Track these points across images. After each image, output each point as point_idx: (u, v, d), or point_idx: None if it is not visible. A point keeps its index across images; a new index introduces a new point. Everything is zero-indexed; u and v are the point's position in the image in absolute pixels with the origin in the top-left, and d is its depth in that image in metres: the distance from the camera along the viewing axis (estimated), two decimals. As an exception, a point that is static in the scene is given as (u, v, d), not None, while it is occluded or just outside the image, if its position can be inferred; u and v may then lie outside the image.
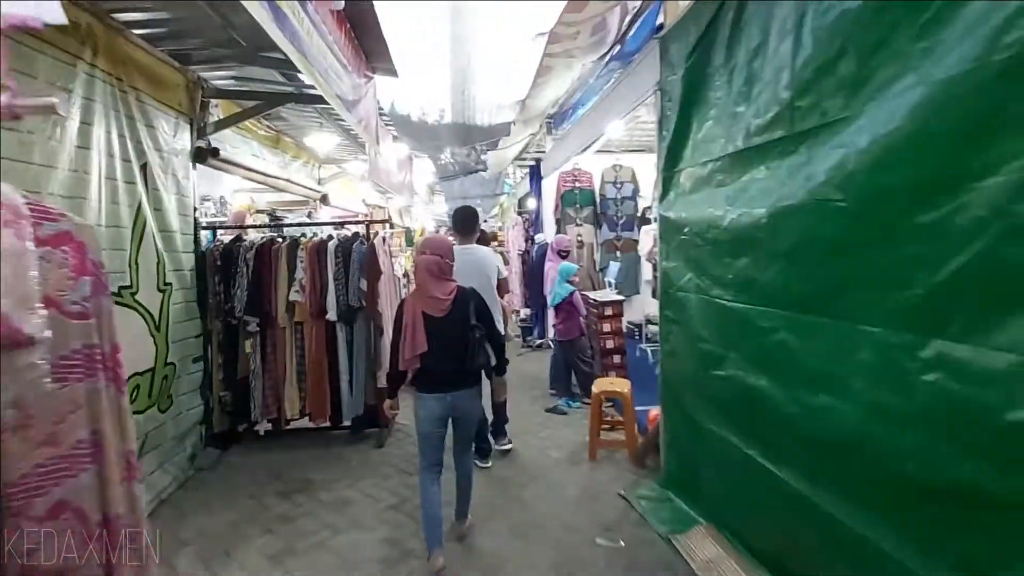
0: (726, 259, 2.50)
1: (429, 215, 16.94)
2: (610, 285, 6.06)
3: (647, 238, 7.44)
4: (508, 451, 3.94)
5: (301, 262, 4.13)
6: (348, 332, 4.23)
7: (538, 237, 7.48)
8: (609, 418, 4.15)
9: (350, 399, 4.21)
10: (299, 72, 3.38)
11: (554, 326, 5.03)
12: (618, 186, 7.70)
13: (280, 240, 4.26)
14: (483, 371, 2.69)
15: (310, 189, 6.56)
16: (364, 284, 4.11)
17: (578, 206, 7.65)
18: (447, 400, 2.53)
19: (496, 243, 9.37)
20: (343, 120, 4.64)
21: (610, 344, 5.37)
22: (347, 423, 4.28)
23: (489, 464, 3.74)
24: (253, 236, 4.48)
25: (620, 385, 4.01)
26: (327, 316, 4.12)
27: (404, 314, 2.52)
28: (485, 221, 20.86)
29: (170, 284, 3.62)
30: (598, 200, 7.70)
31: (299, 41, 2.65)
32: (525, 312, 8.63)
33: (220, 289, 4.11)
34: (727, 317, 2.50)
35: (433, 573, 2.47)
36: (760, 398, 2.24)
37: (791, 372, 2.07)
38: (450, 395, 2.53)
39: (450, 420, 2.61)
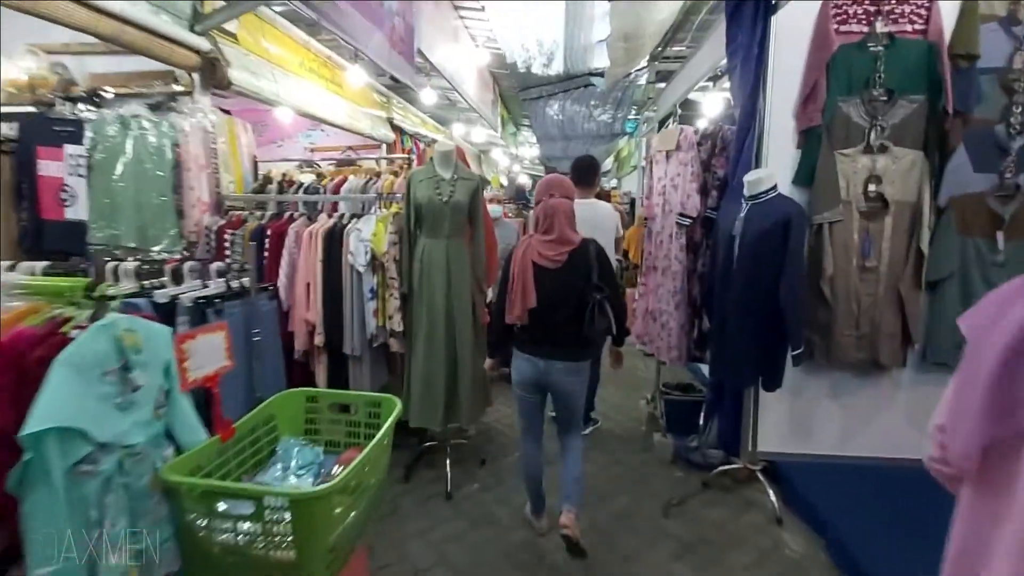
0: None
1: (511, 162, 12.10)
2: None
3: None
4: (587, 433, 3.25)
5: None
6: None
7: (750, 178, 2.58)
8: None
9: None
10: None
11: None
12: (1022, 37, 2.56)
13: None
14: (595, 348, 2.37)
15: (143, 30, 2.06)
16: None
17: (876, 94, 2.63)
18: (540, 366, 2.21)
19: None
20: None
21: None
22: None
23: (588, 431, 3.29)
24: None
25: None
26: None
27: (512, 264, 2.21)
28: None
29: None
30: (948, 79, 2.61)
31: None
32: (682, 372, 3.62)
33: None
34: None
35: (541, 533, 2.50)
36: None
37: None
38: (544, 361, 2.21)
39: (547, 392, 2.34)
